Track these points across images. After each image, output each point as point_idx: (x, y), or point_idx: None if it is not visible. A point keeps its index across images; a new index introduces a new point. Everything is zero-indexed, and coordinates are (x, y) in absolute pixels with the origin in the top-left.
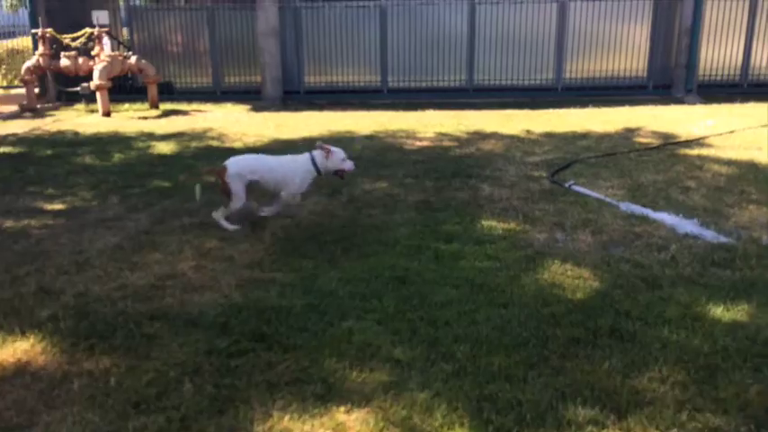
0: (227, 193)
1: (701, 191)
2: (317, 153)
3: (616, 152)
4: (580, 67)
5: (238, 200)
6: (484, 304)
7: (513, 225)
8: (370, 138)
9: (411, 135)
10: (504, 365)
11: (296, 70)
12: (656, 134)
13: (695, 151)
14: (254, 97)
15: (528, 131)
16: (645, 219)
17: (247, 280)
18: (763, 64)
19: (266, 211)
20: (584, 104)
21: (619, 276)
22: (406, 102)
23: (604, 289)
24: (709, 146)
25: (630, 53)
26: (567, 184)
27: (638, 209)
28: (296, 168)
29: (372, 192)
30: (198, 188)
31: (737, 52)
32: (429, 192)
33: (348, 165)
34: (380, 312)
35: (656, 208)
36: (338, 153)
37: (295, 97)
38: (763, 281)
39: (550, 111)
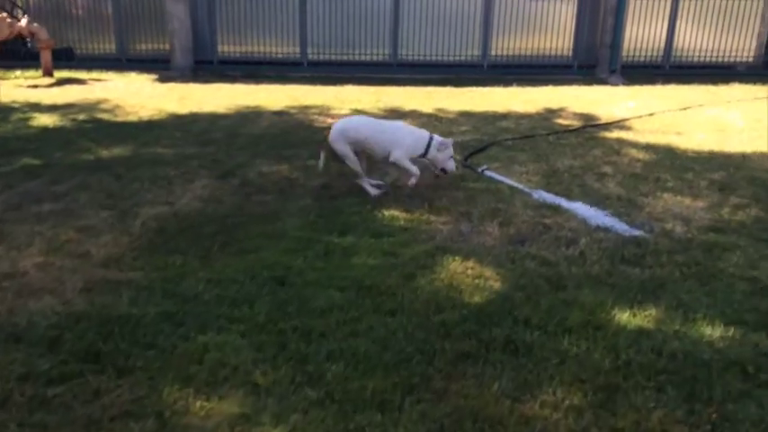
0: (337, 158)
1: (616, 177)
2: (438, 139)
3: (535, 134)
4: (506, 45)
5: (349, 160)
6: (369, 311)
7: (416, 215)
8: (279, 114)
9: (325, 112)
10: (378, 390)
11: (208, 38)
12: (576, 115)
13: (614, 134)
14: (162, 66)
15: (448, 110)
16: (557, 209)
17: (98, 281)
18: (686, 46)
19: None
20: (508, 83)
21: (522, 276)
22: (325, 76)
23: (505, 291)
24: (628, 129)
25: (556, 32)
26: (479, 169)
27: (550, 197)
28: (409, 133)
29: (269, 175)
30: (322, 156)
31: (661, 33)
32: (332, 176)
33: (451, 165)
34: (248, 322)
35: (570, 196)
36: (450, 150)
37: (207, 68)
38: (673, 280)
39: (474, 89)
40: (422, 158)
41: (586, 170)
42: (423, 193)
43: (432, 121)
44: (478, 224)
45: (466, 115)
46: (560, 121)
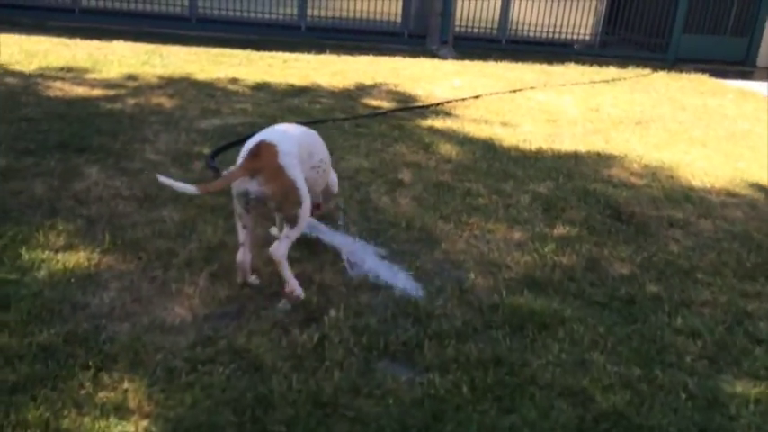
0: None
1: (415, 188)
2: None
3: (328, 119)
4: (328, 5)
5: (306, 209)
6: None
7: (80, 258)
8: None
9: (76, 77)
10: None
11: None
12: (390, 94)
13: (428, 121)
14: None
15: (233, 80)
16: (310, 243)
17: None
18: (523, 19)
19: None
20: (321, 49)
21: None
22: (100, 27)
23: None
24: (446, 114)
25: None
26: (225, 173)
27: (309, 224)
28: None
29: None
30: (245, 233)
31: (496, 3)
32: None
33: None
34: None
35: (336, 222)
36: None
37: None
38: (453, 407)
39: (278, 54)
40: None
41: (378, 176)
42: (116, 215)
43: (202, 94)
44: (178, 274)
45: (254, 87)
46: (368, 100)
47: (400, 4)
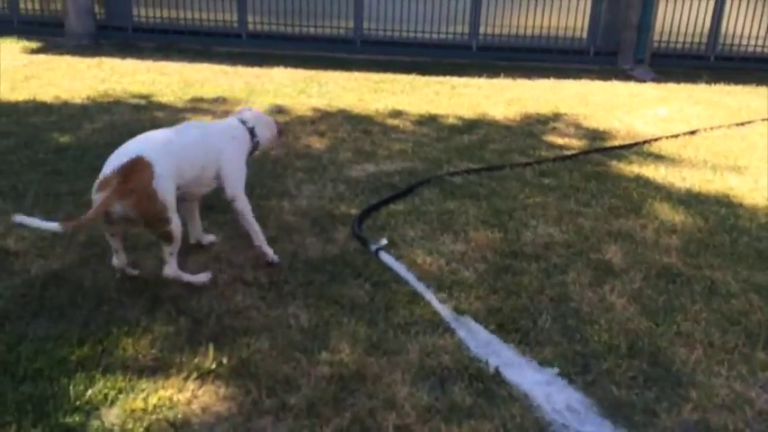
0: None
1: (632, 276)
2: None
3: (505, 164)
4: (503, 22)
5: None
6: None
7: (168, 388)
8: (142, 109)
9: (227, 111)
10: None
11: None
12: (579, 129)
13: (633, 167)
14: (56, 32)
15: (394, 112)
16: (488, 388)
17: None
18: (738, 30)
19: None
20: (494, 72)
21: None
22: (260, 52)
23: None
24: (656, 157)
25: (566, 4)
26: (374, 246)
27: (488, 342)
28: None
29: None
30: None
31: (706, 12)
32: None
33: None
34: None
35: (532, 343)
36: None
37: (117, 36)
38: None
39: (445, 79)
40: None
41: (575, 253)
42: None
43: (356, 131)
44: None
45: (417, 121)
46: (552, 137)
47: (586, 16)
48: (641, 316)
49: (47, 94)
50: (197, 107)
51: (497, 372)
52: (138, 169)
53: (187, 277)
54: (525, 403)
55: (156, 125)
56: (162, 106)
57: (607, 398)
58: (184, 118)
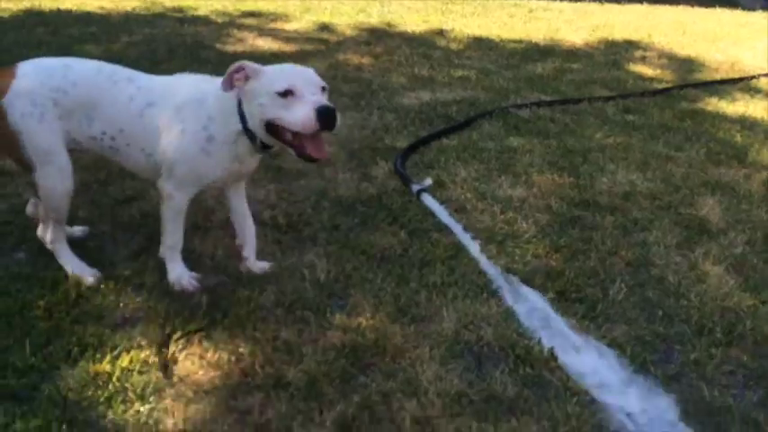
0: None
1: (732, 238)
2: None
3: (582, 98)
4: None
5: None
6: None
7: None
8: (186, 21)
9: (264, 28)
10: None
11: None
12: (674, 61)
13: (737, 106)
14: None
15: (461, 34)
16: (545, 365)
17: None
18: None
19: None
20: None
21: None
22: None
23: None
24: (765, 95)
25: None
26: (416, 187)
27: (536, 307)
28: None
29: None
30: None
31: None
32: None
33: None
34: None
35: (582, 312)
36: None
37: None
38: None
39: (522, 1)
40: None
41: (662, 207)
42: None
43: (416, 55)
44: None
45: (483, 47)
46: (641, 69)
47: None
48: (743, 291)
49: (91, 4)
50: (244, 24)
51: (552, 354)
52: None
53: (66, 256)
54: (585, 399)
55: (197, 41)
56: (208, 21)
57: (694, 399)
58: (229, 34)
